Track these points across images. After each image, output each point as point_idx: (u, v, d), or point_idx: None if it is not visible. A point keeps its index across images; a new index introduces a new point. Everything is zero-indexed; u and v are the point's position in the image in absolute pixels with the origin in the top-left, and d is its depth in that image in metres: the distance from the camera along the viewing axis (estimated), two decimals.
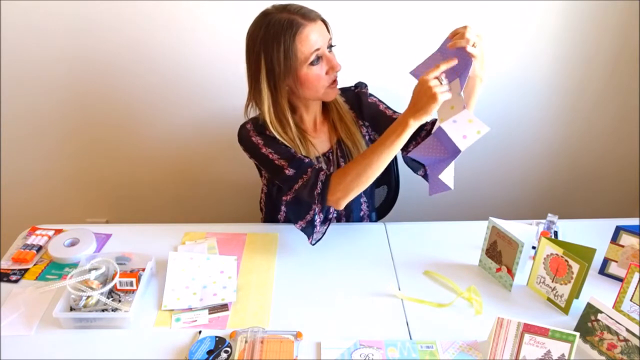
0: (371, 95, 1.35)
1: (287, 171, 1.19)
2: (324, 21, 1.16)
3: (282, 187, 1.26)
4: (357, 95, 1.34)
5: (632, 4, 1.61)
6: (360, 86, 1.36)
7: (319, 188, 1.16)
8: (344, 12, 1.58)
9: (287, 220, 1.40)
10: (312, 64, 1.14)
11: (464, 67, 1.01)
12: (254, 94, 1.19)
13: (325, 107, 1.32)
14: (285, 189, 1.23)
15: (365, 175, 1.12)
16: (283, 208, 1.37)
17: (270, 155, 1.21)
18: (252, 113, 1.25)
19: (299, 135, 1.23)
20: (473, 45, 0.99)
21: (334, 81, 1.20)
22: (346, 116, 1.31)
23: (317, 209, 1.18)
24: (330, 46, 1.18)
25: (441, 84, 1.01)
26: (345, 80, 1.32)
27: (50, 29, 1.58)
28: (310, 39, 1.11)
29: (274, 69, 1.13)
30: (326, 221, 1.23)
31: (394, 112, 1.33)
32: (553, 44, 1.67)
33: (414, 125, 1.06)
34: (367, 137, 1.35)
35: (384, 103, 1.35)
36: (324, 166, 1.27)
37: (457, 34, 1.01)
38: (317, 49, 1.13)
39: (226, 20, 1.58)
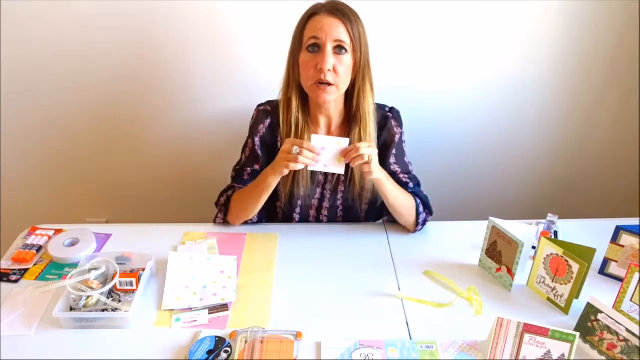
0: (402, 138, 1.34)
1: (236, 167, 1.38)
2: (345, 25, 1.15)
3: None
4: (384, 118, 1.33)
5: (632, 4, 1.61)
6: (393, 112, 1.34)
7: (222, 200, 1.36)
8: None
9: (285, 220, 1.41)
10: (308, 49, 1.18)
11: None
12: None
13: (348, 117, 1.29)
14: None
15: (250, 207, 1.30)
16: (279, 204, 1.38)
17: (246, 147, 1.37)
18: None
19: (297, 121, 1.27)
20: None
21: (321, 83, 1.17)
22: (369, 137, 1.26)
23: (219, 213, 1.37)
24: (339, 47, 1.16)
25: (297, 153, 1.12)
26: None
27: (51, 29, 1.58)
28: (316, 25, 1.16)
29: (293, 41, 1.23)
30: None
31: (405, 173, 1.35)
32: (553, 44, 1.67)
33: (273, 181, 1.22)
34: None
35: (402, 162, 1.35)
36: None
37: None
38: (317, 37, 1.16)
39: (226, 20, 1.58)
